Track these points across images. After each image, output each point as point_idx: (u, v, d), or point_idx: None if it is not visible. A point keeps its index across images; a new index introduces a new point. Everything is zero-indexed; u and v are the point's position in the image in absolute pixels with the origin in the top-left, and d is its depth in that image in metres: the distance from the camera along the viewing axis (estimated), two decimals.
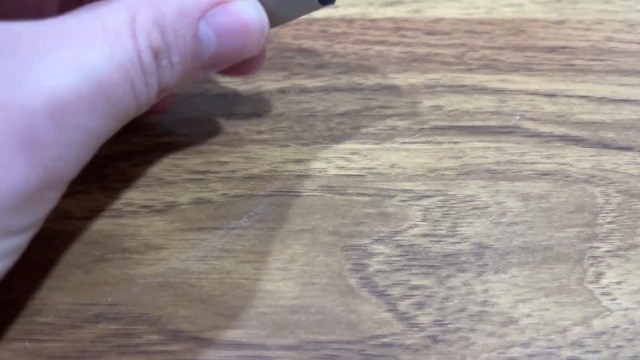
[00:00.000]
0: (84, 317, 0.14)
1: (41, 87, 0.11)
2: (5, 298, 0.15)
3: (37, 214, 0.12)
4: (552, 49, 0.20)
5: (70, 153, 0.12)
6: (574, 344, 0.14)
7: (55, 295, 0.15)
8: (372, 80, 0.19)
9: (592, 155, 0.17)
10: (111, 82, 0.12)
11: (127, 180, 0.17)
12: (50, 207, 0.13)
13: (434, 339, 0.14)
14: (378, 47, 0.20)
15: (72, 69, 0.11)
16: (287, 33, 0.21)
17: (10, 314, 0.14)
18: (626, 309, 0.14)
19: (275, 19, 0.15)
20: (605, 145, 0.18)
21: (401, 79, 0.19)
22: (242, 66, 0.15)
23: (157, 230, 0.16)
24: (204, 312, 0.14)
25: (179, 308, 0.15)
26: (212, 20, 0.13)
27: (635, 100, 0.19)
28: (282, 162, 0.17)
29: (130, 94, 0.12)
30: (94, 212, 0.16)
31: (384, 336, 0.14)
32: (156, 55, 0.13)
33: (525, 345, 0.14)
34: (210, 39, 0.14)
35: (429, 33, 0.21)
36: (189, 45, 0.13)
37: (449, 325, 0.14)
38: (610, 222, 0.16)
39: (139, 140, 0.18)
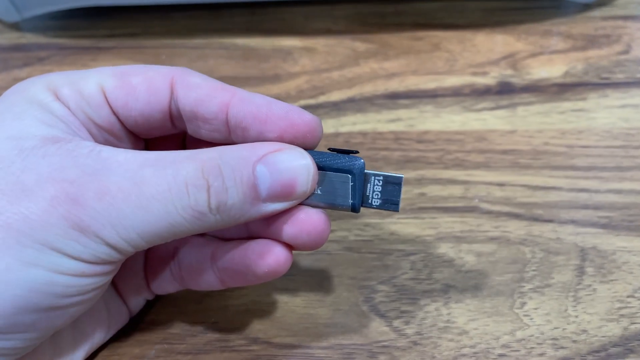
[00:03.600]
0: (198, 329, 0.23)
1: (105, 177, 0.17)
2: (150, 318, 0.24)
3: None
4: (504, 152, 0.29)
5: (112, 219, 0.17)
6: (504, 346, 0.22)
7: (179, 317, 0.24)
8: None
9: (525, 226, 0.26)
10: (157, 184, 0.17)
11: None
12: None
13: (415, 343, 0.22)
14: (383, 152, 0.30)
15: (132, 172, 0.17)
16: (321, 143, 0.30)
17: (152, 327, 0.24)
18: (538, 325, 0.23)
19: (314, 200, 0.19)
20: (535, 219, 0.26)
21: None
22: (307, 241, 0.19)
23: None
24: (271, 327, 0.23)
25: (256, 324, 0.23)
26: (267, 161, 0.18)
27: (560, 187, 0.27)
28: None
29: (176, 198, 0.17)
30: None
31: (383, 341, 0.23)
32: (207, 177, 0.17)
33: (472, 347, 0.22)
34: (265, 174, 0.18)
35: (419, 141, 0.30)
36: (246, 178, 0.18)
37: (425, 334, 0.23)
38: (533, 270, 0.24)
39: None
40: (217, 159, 0.17)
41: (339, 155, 0.19)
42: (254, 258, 0.19)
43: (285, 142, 0.19)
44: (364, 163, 0.19)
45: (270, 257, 0.19)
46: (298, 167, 0.18)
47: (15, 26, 0.38)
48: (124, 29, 0.38)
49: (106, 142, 0.20)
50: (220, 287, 0.21)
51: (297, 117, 0.19)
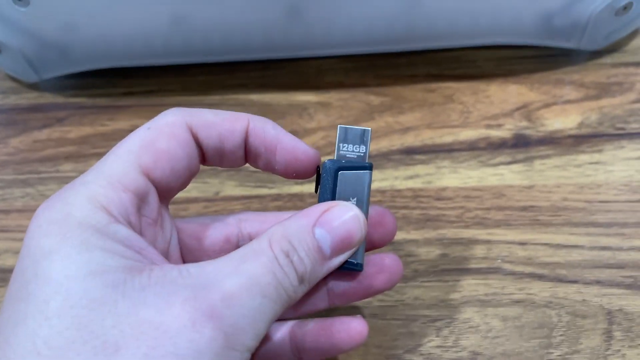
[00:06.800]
0: None
1: (218, 286, 0.17)
2: None
3: None
4: (524, 208, 0.29)
5: (241, 323, 0.17)
6: None
7: None
8: (399, 235, 0.29)
9: (550, 287, 0.26)
10: (260, 276, 0.18)
11: None
12: None
13: None
14: (403, 211, 0.30)
15: (235, 274, 0.18)
16: None
17: None
18: None
19: None
20: (560, 280, 0.26)
21: (419, 235, 0.29)
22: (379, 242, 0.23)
23: None
24: None
25: None
26: (322, 222, 0.20)
27: (582, 246, 0.27)
28: None
29: (275, 282, 0.18)
30: None
31: None
32: (287, 254, 0.18)
33: None
34: (324, 235, 0.19)
35: (438, 199, 0.30)
36: (311, 244, 0.19)
37: None
38: (561, 335, 0.24)
39: None
40: (285, 236, 0.19)
41: (326, 178, 0.21)
42: (341, 336, 0.21)
43: (288, 172, 0.22)
44: (328, 163, 0.22)
45: (355, 332, 0.21)
46: (349, 219, 0.20)
47: (34, 85, 0.39)
48: (141, 86, 0.38)
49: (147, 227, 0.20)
50: None
51: (301, 152, 0.21)
